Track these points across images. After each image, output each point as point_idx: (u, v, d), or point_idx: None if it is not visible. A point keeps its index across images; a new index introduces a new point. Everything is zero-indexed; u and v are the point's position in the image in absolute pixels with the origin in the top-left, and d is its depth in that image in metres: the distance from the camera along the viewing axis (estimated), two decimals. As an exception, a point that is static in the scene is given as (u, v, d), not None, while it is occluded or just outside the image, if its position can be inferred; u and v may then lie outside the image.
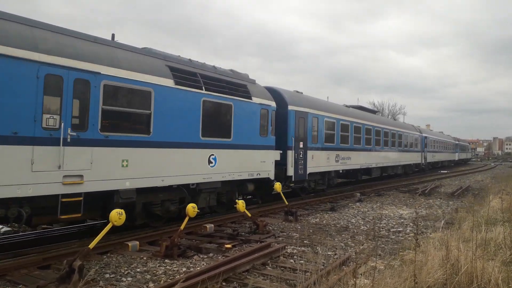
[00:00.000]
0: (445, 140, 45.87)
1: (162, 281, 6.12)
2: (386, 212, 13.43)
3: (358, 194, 17.27)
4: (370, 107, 37.99)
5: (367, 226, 10.87)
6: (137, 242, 8.15)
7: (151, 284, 6.05)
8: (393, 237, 9.69)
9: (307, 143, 15.09)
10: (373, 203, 15.46)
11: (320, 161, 16.08)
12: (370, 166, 21.38)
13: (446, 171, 38.88)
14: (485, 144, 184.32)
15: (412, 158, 30.17)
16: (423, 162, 33.20)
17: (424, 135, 34.22)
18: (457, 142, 55.62)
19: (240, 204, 9.23)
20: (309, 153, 15.21)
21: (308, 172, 15.10)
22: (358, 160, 19.77)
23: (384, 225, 11.16)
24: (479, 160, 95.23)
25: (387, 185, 22.28)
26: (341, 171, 18.20)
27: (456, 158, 53.91)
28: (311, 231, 10.06)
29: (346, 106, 23.31)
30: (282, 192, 11.95)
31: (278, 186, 11.69)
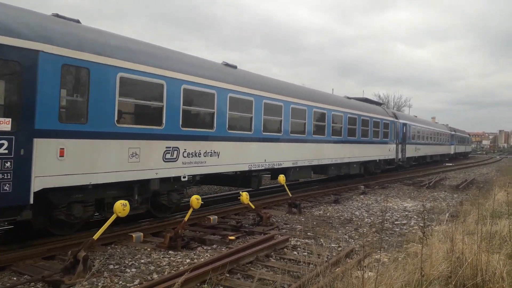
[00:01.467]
0: (435, 130, 37.63)
1: (166, 272, 6.14)
2: (390, 204, 13.40)
3: (362, 186, 17.22)
4: (375, 99, 35.83)
5: (371, 219, 10.85)
6: (141, 234, 8.18)
7: (155, 275, 6.07)
8: (397, 229, 9.67)
9: (32, 123, 6.71)
10: (377, 196, 15.42)
11: (99, 160, 7.75)
12: (279, 166, 13.05)
13: (451, 164, 38.67)
14: (490, 137, 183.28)
15: (380, 152, 21.77)
16: (399, 157, 24.93)
17: (402, 121, 25.94)
18: (453, 132, 47.64)
19: (244, 196, 9.24)
20: (40, 144, 6.78)
21: (34, 189, 6.66)
22: (243, 156, 11.54)
23: (388, 217, 11.14)
24: (484, 153, 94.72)
25: (391, 178, 22.22)
26: (185, 178, 9.51)
27: (452, 152, 46.66)
28: (314, 223, 10.05)
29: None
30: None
31: (282, 178, 11.66)
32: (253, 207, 9.62)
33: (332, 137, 16.54)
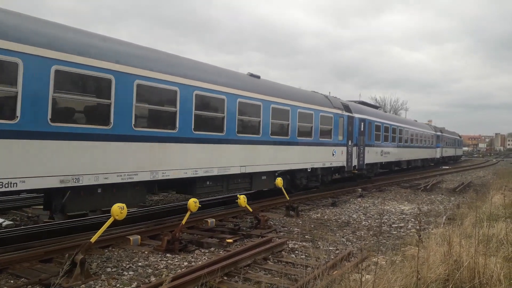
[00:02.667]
0: (412, 129, 29.95)
1: (163, 275, 6.13)
2: (388, 207, 13.43)
3: (360, 189, 17.26)
4: (372, 102, 34.61)
5: (368, 222, 10.87)
6: (139, 236, 8.16)
7: (152, 278, 6.06)
8: (394, 232, 9.69)
9: None
10: (374, 199, 15.45)
11: None
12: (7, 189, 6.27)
13: (447, 167, 38.76)
14: (487, 140, 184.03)
15: (315, 157, 14.99)
16: (355, 163, 18.41)
17: (359, 116, 19.13)
18: (438, 133, 39.70)
19: (242, 199, 9.24)
20: None
21: None
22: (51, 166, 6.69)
23: (386, 220, 11.16)
24: (481, 156, 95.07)
25: (389, 181, 22.29)
26: None
27: (438, 156, 39.14)
28: (312, 226, 10.06)
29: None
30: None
31: (279, 181, 11.67)
32: (250, 210, 9.62)
33: (195, 132, 9.79)
